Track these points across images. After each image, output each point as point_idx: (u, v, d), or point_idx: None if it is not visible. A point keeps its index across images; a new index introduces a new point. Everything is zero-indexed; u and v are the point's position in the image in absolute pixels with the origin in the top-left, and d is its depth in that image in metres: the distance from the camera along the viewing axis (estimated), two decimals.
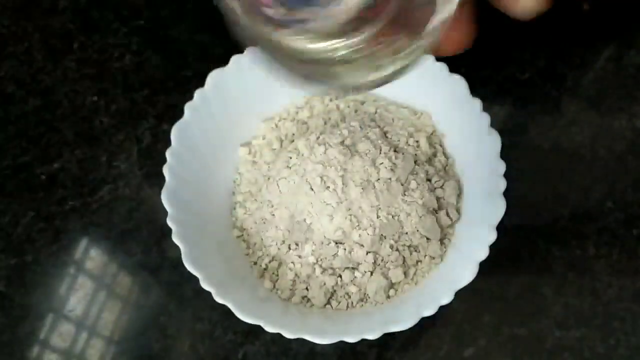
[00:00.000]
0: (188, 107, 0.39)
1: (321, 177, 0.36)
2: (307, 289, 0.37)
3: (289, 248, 0.37)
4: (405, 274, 0.37)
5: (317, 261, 0.36)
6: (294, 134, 0.41)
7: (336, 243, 0.36)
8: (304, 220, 0.36)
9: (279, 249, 0.37)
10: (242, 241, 0.39)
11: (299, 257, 0.37)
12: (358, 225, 0.36)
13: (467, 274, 0.33)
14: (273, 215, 0.38)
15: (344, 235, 0.36)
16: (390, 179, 0.37)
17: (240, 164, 0.41)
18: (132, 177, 0.45)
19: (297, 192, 0.37)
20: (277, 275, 0.37)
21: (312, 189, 0.36)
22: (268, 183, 0.39)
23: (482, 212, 0.36)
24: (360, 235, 0.36)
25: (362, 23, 0.23)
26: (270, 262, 0.38)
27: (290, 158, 0.38)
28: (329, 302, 0.37)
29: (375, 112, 0.42)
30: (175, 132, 0.39)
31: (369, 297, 0.37)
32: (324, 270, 0.37)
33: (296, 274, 0.37)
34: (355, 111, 0.41)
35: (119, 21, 0.51)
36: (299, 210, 0.37)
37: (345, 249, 0.36)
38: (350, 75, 0.26)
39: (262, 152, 0.41)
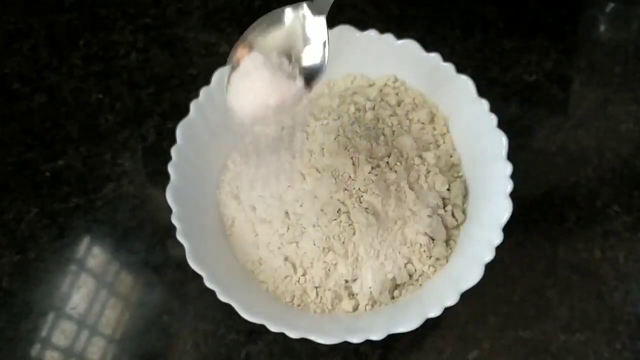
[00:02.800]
0: (193, 105, 0.39)
1: (319, 178, 0.36)
2: (307, 291, 0.37)
3: (288, 246, 0.37)
4: (410, 275, 0.37)
5: (318, 262, 0.36)
6: (293, 133, 0.41)
7: (338, 243, 0.36)
8: (300, 219, 0.36)
9: (279, 247, 0.37)
10: (244, 240, 0.39)
11: (299, 256, 0.37)
12: (356, 227, 0.36)
13: (472, 276, 0.33)
14: (270, 213, 0.38)
15: (344, 235, 0.36)
16: (394, 180, 0.37)
17: (237, 160, 0.41)
18: (136, 175, 0.45)
19: (295, 191, 0.37)
20: (278, 275, 0.37)
21: (309, 188, 0.36)
22: (265, 181, 0.39)
23: (488, 213, 0.36)
24: (362, 236, 0.36)
25: None
26: (271, 262, 0.37)
27: (292, 157, 0.38)
28: (332, 304, 0.37)
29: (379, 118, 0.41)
30: (180, 130, 0.38)
31: (374, 298, 0.36)
32: (326, 271, 0.36)
33: (299, 276, 0.37)
34: (358, 110, 0.41)
35: (125, 19, 0.52)
36: (295, 209, 0.37)
37: (346, 250, 0.36)
38: None
39: (261, 150, 0.41)
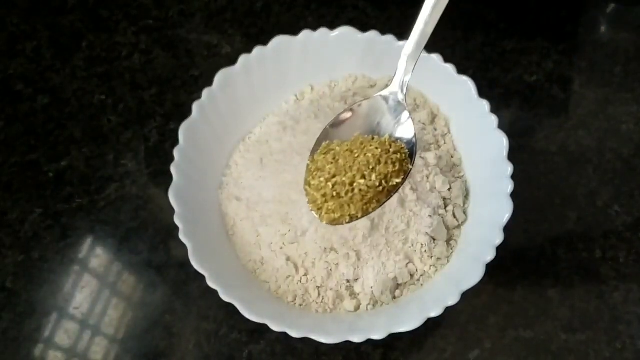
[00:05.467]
0: (196, 106, 0.39)
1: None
2: (309, 291, 0.37)
3: (290, 246, 0.37)
4: (412, 275, 0.37)
5: (319, 262, 0.37)
6: (296, 133, 0.41)
7: (340, 243, 0.36)
8: (302, 219, 0.37)
9: (281, 247, 0.37)
10: (246, 241, 0.39)
11: (301, 256, 0.37)
12: (358, 228, 0.36)
13: (473, 276, 0.33)
14: (272, 214, 0.38)
15: (346, 235, 0.36)
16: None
17: (239, 160, 0.42)
18: (139, 175, 0.45)
19: (296, 191, 0.37)
20: (280, 275, 0.37)
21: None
22: (265, 181, 0.39)
23: (489, 214, 0.36)
24: (363, 237, 0.36)
25: None
26: (273, 262, 0.38)
27: (291, 156, 0.38)
28: (334, 304, 0.37)
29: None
30: (183, 131, 0.39)
31: (375, 298, 0.37)
32: (328, 271, 0.37)
33: (300, 276, 0.37)
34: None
35: (127, 20, 0.52)
36: (296, 209, 0.37)
37: (348, 252, 0.36)
38: None
39: (262, 150, 0.41)
